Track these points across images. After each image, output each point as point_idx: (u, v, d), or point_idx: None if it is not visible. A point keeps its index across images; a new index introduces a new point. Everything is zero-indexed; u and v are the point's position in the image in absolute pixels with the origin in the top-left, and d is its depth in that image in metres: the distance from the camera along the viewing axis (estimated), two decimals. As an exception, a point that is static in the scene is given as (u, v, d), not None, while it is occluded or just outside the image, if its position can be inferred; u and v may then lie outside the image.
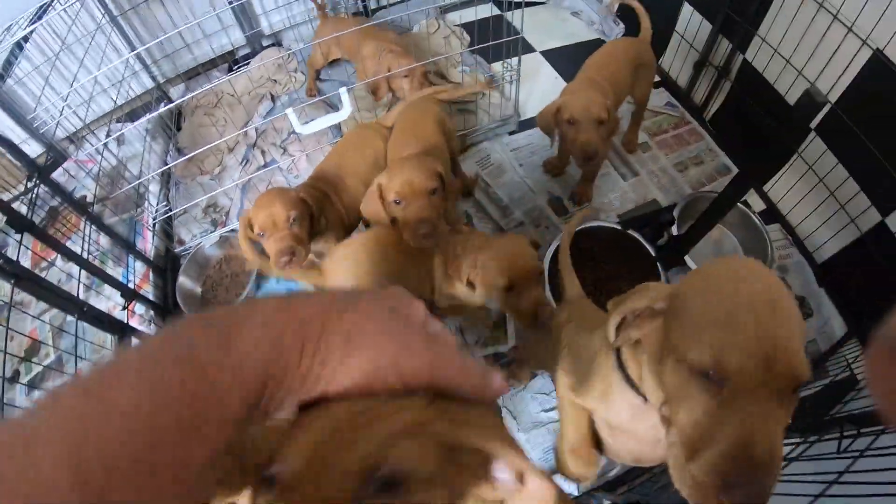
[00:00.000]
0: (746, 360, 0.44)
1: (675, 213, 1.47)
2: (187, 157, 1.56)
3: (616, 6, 1.72)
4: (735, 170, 1.70)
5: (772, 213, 1.60)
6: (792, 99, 1.46)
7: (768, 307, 0.46)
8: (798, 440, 1.00)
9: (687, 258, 1.38)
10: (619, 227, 1.43)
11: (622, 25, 1.99)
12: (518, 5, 1.46)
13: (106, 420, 0.22)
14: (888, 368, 0.39)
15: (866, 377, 0.45)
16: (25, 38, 1.55)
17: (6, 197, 1.69)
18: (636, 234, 1.41)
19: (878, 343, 0.40)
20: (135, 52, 1.65)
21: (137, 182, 1.60)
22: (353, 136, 1.45)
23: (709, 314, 0.48)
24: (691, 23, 1.73)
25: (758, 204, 1.62)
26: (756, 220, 1.47)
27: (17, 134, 1.72)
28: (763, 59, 1.52)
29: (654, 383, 0.55)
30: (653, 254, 1.40)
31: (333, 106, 1.75)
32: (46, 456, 0.21)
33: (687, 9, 1.73)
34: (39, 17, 1.43)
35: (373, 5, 2.15)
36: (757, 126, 1.61)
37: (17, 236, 1.20)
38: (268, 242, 1.16)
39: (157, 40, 1.59)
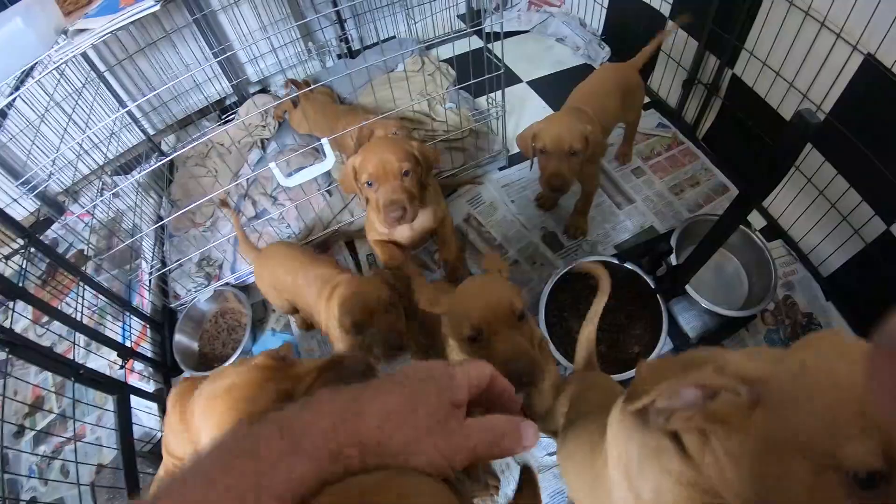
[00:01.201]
0: None
1: (673, 242, 1.43)
2: (182, 211, 1.55)
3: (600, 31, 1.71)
4: (733, 187, 1.66)
5: (773, 230, 1.56)
6: (785, 111, 1.43)
7: None
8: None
9: (688, 288, 1.34)
10: (615, 261, 1.40)
11: (607, 49, 1.97)
12: (497, 36, 1.44)
13: None
14: (889, 368, 0.35)
15: (865, 377, 0.39)
16: (9, 105, 1.56)
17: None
18: (634, 267, 1.38)
19: (878, 342, 0.36)
20: (124, 110, 1.66)
21: (132, 240, 1.60)
22: None
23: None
24: (677, 40, 1.71)
25: (758, 221, 1.58)
26: (757, 239, 1.43)
27: (9, 190, 1.74)
28: (752, 72, 1.49)
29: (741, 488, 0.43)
30: (652, 286, 1.36)
31: (318, 154, 1.75)
32: None
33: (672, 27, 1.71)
34: (19, 86, 1.44)
35: (356, 46, 2.16)
36: (751, 142, 1.58)
37: (10, 303, 1.19)
38: (378, 192, 1.11)
39: (146, 98, 1.61)
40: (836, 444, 0.36)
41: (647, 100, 1.88)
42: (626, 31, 1.92)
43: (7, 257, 1.71)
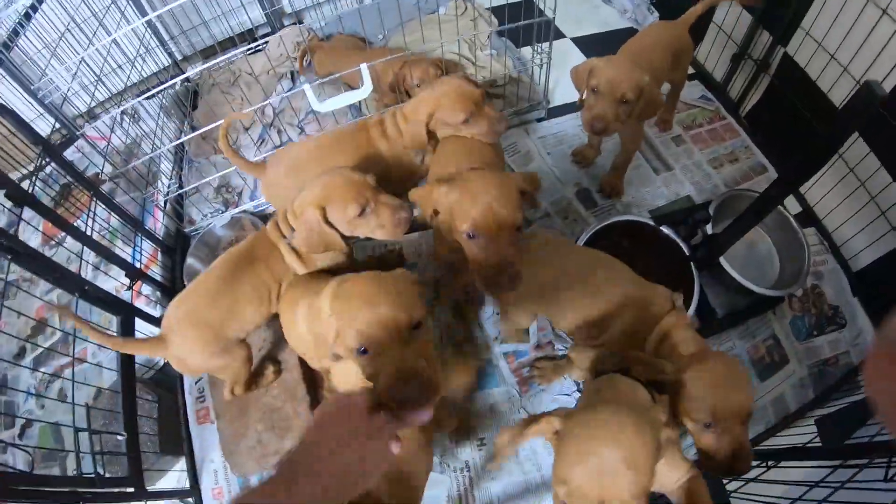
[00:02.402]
0: None
1: (711, 211, 1.39)
2: (203, 130, 1.48)
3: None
4: (771, 169, 1.61)
5: (807, 217, 1.52)
6: (836, 97, 1.37)
7: None
8: (836, 464, 0.93)
9: (722, 260, 1.30)
10: (652, 223, 1.35)
11: (656, 13, 1.90)
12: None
13: None
14: (888, 368, 0.38)
15: (865, 376, 0.44)
16: (34, 8, 1.49)
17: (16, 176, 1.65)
18: (670, 231, 1.34)
19: (879, 343, 0.40)
20: (144, 19, 1.54)
21: (148, 157, 1.55)
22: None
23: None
24: (730, 13, 1.64)
25: (793, 207, 1.53)
26: (794, 223, 1.39)
27: (30, 109, 1.67)
28: (806, 53, 1.43)
29: None
30: (687, 253, 1.32)
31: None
32: None
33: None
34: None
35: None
36: (797, 123, 1.52)
37: (18, 210, 1.13)
38: (479, 246, 0.87)
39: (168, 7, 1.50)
40: None
41: (690, 70, 1.82)
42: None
43: (31, 174, 1.66)
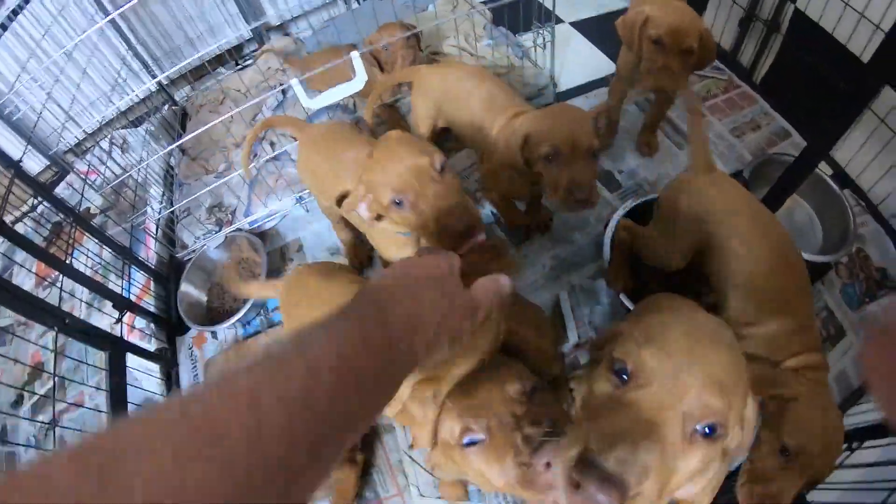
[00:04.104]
0: None
1: (746, 176, 1.28)
2: (194, 132, 1.35)
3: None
4: (795, 133, 1.52)
5: (840, 178, 1.41)
6: (856, 47, 1.27)
7: None
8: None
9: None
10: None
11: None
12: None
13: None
14: (882, 354, 0.39)
15: (862, 364, 0.45)
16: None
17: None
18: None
19: (871, 328, 0.42)
20: (108, 18, 1.49)
21: (136, 184, 1.45)
22: None
23: None
24: (734, -26, 1.57)
25: (824, 170, 1.42)
26: (833, 185, 1.29)
27: (14, 147, 1.59)
28: (817, 5, 1.34)
29: None
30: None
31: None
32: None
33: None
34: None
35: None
36: (816, 83, 1.42)
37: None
38: (417, 211, 0.74)
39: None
40: None
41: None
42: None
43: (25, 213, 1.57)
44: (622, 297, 1.06)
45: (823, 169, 1.42)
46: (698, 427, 0.44)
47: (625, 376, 0.48)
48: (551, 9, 1.39)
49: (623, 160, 1.48)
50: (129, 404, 1.18)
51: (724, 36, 1.68)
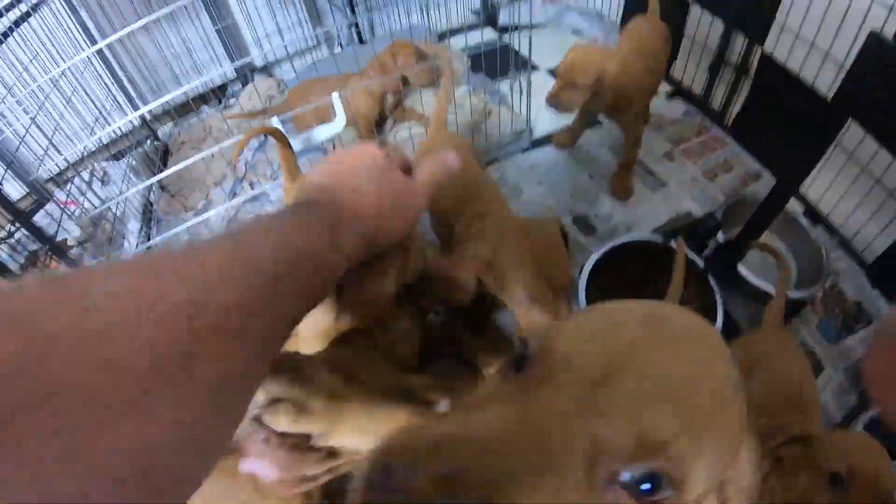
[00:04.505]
0: None
1: (718, 218, 1.31)
2: (174, 168, 1.35)
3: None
4: (766, 174, 1.57)
5: (812, 216, 1.45)
6: (821, 85, 1.34)
7: None
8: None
9: (741, 268, 1.21)
10: (660, 240, 1.27)
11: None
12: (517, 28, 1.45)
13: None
14: (888, 359, 0.38)
15: (865, 368, 0.43)
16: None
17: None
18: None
19: (880, 333, 0.42)
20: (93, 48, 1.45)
21: (115, 217, 1.44)
22: None
23: None
24: (701, 23, 1.64)
25: (796, 208, 1.47)
26: (803, 222, 1.34)
27: None
28: (784, 47, 1.41)
29: None
30: (701, 266, 1.22)
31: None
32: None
33: (695, 11, 1.65)
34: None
35: (367, 36, 2.09)
36: (785, 124, 1.48)
37: None
38: None
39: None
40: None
41: (668, 88, 1.81)
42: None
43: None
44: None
45: (796, 207, 1.46)
46: (625, 474, 0.23)
47: (526, 363, 0.28)
48: (528, 56, 1.45)
49: (598, 204, 1.51)
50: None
51: (696, 81, 1.74)
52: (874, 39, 0.77)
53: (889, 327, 0.42)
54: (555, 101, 1.23)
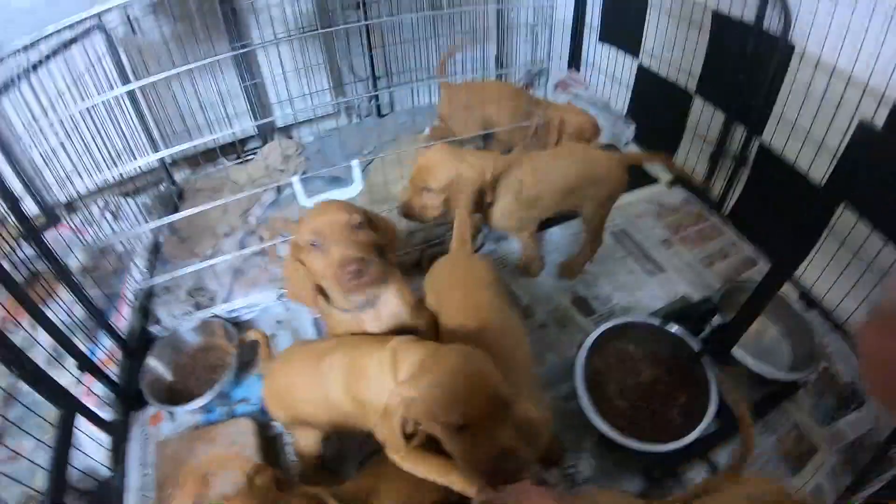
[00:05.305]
0: None
1: (715, 302, 1.33)
2: (189, 211, 1.40)
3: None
4: (762, 261, 1.61)
5: (806, 301, 1.48)
6: (814, 175, 1.41)
7: None
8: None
9: (736, 350, 1.21)
10: (657, 323, 1.28)
11: (633, 125, 2.02)
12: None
13: None
14: (880, 341, 0.38)
15: (858, 349, 0.50)
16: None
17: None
18: (678, 329, 1.26)
19: (873, 316, 0.41)
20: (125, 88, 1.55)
21: (123, 251, 1.46)
22: None
23: None
24: (703, 114, 1.74)
25: (791, 293, 1.49)
26: (796, 308, 1.37)
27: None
28: (781, 139, 1.49)
29: None
30: (696, 349, 1.22)
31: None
32: None
33: (698, 102, 1.75)
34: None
35: (386, 111, 2.21)
36: (781, 213, 1.54)
37: None
38: (327, 253, 0.89)
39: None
40: None
41: (669, 177, 1.88)
42: (652, 110, 1.99)
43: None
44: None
45: (790, 293, 1.48)
46: None
47: None
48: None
49: (597, 286, 1.55)
50: (70, 467, 1.09)
51: (696, 171, 1.82)
52: (864, 128, 0.82)
53: (883, 310, 0.42)
54: (406, 209, 1.22)
